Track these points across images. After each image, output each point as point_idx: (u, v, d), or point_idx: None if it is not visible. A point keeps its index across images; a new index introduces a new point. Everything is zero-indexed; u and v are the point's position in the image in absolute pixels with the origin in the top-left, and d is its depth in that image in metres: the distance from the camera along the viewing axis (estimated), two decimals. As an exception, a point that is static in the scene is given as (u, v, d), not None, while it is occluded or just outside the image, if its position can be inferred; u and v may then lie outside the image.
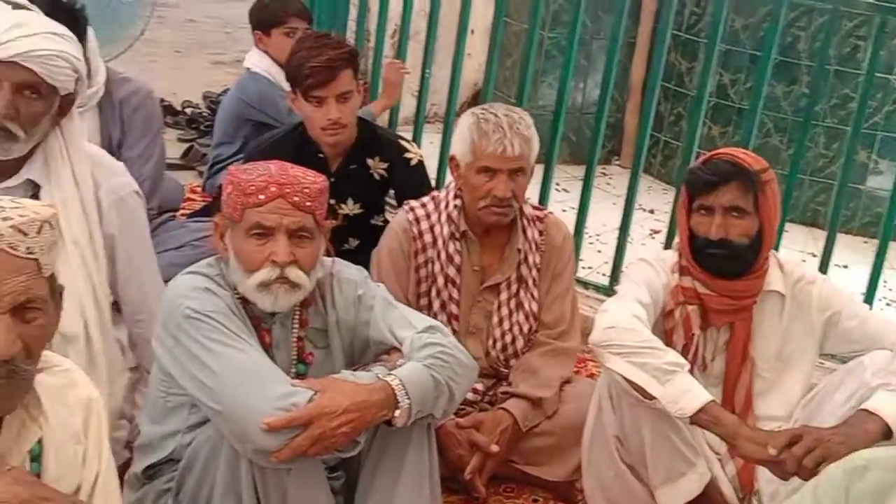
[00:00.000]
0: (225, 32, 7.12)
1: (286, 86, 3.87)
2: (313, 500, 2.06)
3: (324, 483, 2.10)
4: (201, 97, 5.69)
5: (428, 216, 2.78)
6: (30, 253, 1.52)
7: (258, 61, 4.08)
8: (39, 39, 2.18)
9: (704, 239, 2.41)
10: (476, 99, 5.85)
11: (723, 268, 2.43)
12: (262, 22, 4.07)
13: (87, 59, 3.22)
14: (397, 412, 2.06)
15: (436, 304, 2.76)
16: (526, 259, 2.78)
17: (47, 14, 2.88)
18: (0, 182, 2.28)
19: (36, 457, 1.67)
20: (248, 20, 4.21)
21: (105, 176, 2.44)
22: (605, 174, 5.52)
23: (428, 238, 2.75)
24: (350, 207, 3.16)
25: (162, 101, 3.55)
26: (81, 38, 3.16)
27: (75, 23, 3.11)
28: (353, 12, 4.72)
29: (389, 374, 2.09)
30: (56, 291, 1.62)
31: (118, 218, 2.44)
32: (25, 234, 1.52)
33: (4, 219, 1.51)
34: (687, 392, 2.22)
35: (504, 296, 2.79)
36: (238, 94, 4.10)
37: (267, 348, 2.17)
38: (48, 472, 1.67)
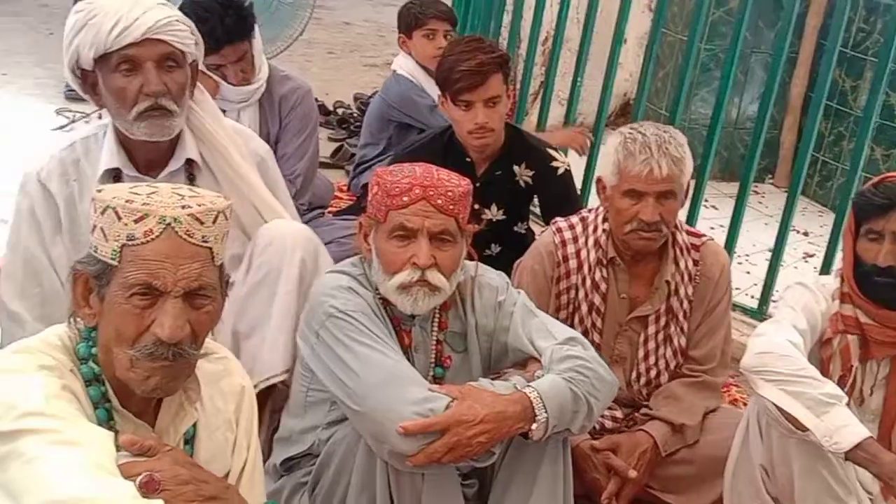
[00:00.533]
0: (378, 36, 7.24)
1: (429, 88, 3.94)
2: (446, 506, 2.04)
3: (457, 490, 2.08)
4: (352, 98, 5.79)
5: (575, 239, 2.65)
6: (205, 241, 1.58)
7: (403, 64, 4.13)
8: (157, 11, 2.23)
9: (872, 265, 2.27)
10: (625, 110, 5.75)
11: (890, 297, 2.28)
12: (404, 24, 4.12)
13: (252, 57, 3.32)
14: (534, 425, 2.02)
15: (578, 332, 2.66)
16: (676, 291, 2.62)
17: (219, 12, 2.96)
18: (162, 169, 2.37)
19: (189, 440, 1.73)
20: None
21: (245, 139, 2.53)
22: (756, 192, 5.32)
23: (573, 263, 2.64)
24: (493, 213, 3.13)
25: (315, 100, 3.63)
26: (249, 35, 3.26)
27: (244, 21, 3.21)
28: (506, 18, 4.70)
29: (528, 387, 2.05)
30: (224, 280, 1.66)
31: (262, 176, 2.52)
32: (202, 223, 1.58)
33: (183, 207, 1.57)
34: (844, 427, 2.09)
35: (652, 329, 2.64)
36: (382, 95, 4.17)
37: (406, 350, 2.17)
38: (199, 455, 1.72)
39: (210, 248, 1.59)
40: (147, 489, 1.49)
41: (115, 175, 2.32)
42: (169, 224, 1.55)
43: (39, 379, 1.54)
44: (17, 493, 1.44)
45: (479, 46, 3.01)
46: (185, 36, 2.27)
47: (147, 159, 2.35)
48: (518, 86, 4.51)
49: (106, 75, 2.21)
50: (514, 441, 2.08)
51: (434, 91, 3.93)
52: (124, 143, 2.31)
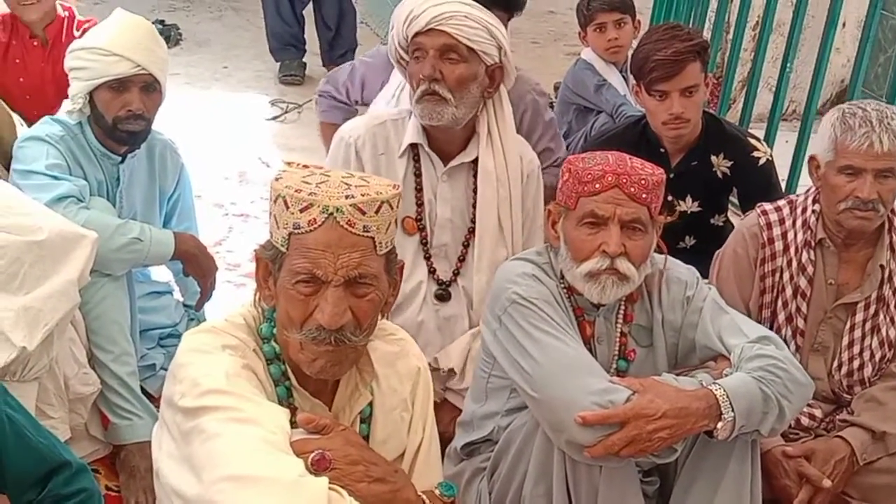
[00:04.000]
0: (582, 24, 7.17)
1: (608, 75, 3.87)
2: (624, 501, 2.01)
3: (636, 486, 2.04)
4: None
5: (782, 221, 2.53)
6: (366, 231, 1.60)
7: (586, 52, 4.09)
8: (447, 5, 2.43)
9: None
10: (841, 97, 5.42)
11: None
12: (579, 22, 4.09)
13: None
14: (720, 424, 1.95)
15: (780, 317, 2.53)
16: (891, 278, 2.47)
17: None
18: (452, 159, 2.58)
19: (366, 419, 1.77)
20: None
21: (524, 148, 2.69)
22: None
23: (779, 245, 2.51)
24: (688, 205, 3.03)
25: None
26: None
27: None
28: (713, 3, 4.54)
29: (714, 384, 1.98)
30: (393, 267, 1.69)
31: (534, 188, 2.68)
32: (364, 213, 1.59)
33: (347, 196, 1.59)
34: None
35: (860, 317, 2.49)
36: (564, 80, 4.13)
37: (587, 341, 2.15)
38: (375, 434, 1.76)
39: (372, 238, 1.61)
40: (318, 467, 1.54)
41: (414, 152, 2.58)
42: (331, 214, 1.57)
43: (222, 358, 1.62)
44: (198, 468, 1.53)
45: (676, 34, 2.91)
46: (474, 34, 2.44)
47: (439, 147, 2.59)
48: (724, 73, 4.35)
49: (410, 63, 2.49)
50: (699, 439, 2.02)
51: (613, 77, 3.89)
52: (424, 125, 2.54)
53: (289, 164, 1.72)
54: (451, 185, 2.61)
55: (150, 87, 2.61)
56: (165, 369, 2.77)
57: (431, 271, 2.62)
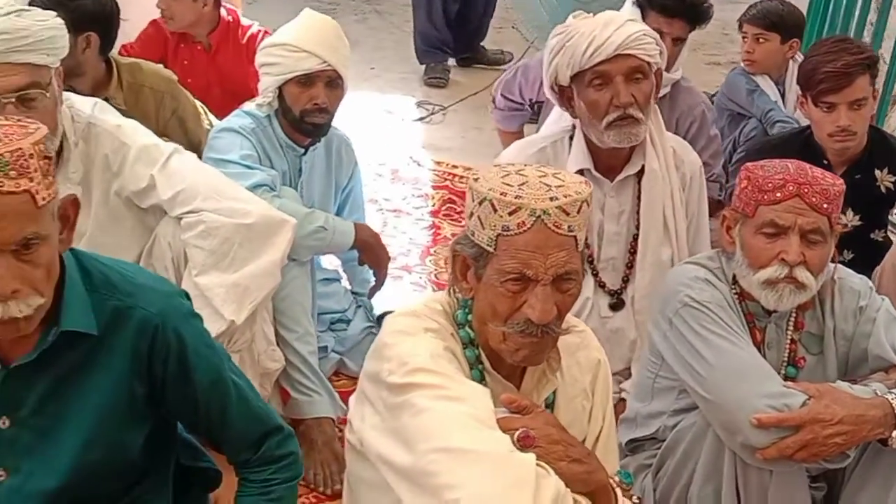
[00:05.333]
0: (723, 34, 7.10)
1: (762, 83, 3.85)
2: (792, 504, 2.04)
3: (805, 490, 2.08)
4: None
5: None
6: (570, 231, 1.69)
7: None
8: (627, 27, 2.46)
9: None
10: None
11: None
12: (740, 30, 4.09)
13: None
14: (894, 433, 1.97)
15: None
16: None
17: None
18: (618, 173, 2.63)
19: (549, 405, 1.86)
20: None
21: (684, 152, 2.72)
22: None
23: None
24: (849, 218, 3.02)
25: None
26: None
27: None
28: (872, 15, 4.48)
29: (890, 393, 2.01)
30: (584, 261, 1.78)
31: (697, 190, 2.72)
32: (567, 214, 1.68)
33: (552, 199, 1.67)
34: None
35: None
36: (721, 86, 4.15)
37: (757, 346, 2.17)
38: (559, 420, 1.85)
39: (575, 237, 1.69)
40: (524, 444, 1.64)
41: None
42: (539, 217, 1.65)
43: (426, 339, 1.73)
44: (409, 440, 1.64)
45: (845, 47, 2.91)
46: (652, 47, 2.51)
47: (608, 164, 2.61)
48: (881, 86, 4.28)
49: (580, 90, 2.49)
50: (871, 447, 2.04)
51: (765, 85, 3.86)
52: (590, 147, 2.56)
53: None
54: (618, 199, 2.67)
55: (333, 82, 2.77)
56: (336, 352, 2.93)
57: (601, 285, 2.69)
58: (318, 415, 2.59)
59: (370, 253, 2.79)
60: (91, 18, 2.75)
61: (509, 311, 1.71)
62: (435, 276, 3.61)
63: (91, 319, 1.63)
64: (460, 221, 4.10)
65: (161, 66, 3.18)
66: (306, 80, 2.72)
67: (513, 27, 6.35)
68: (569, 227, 1.68)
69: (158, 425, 1.79)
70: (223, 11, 3.96)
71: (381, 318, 3.04)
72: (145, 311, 1.67)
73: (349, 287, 3.15)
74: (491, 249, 1.69)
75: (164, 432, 1.82)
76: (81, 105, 2.32)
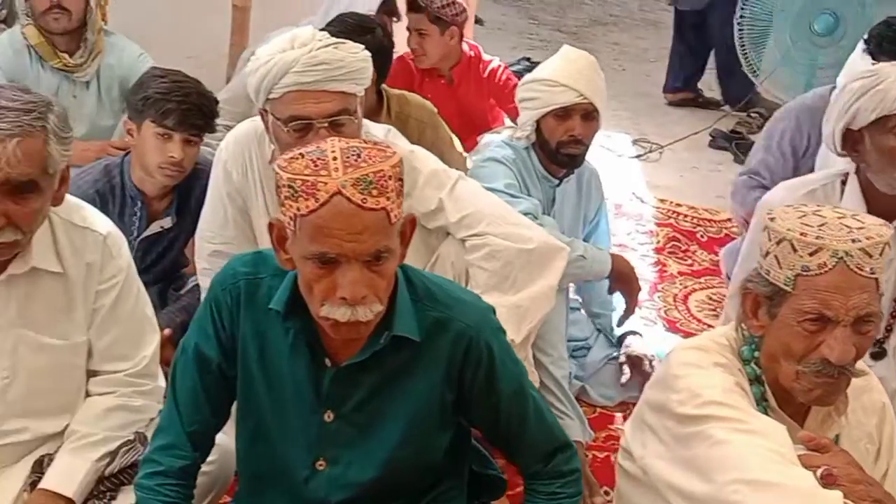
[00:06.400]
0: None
1: None
2: None
3: None
4: None
5: None
6: (872, 273, 1.70)
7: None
8: None
9: None
10: None
11: None
12: None
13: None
14: None
15: None
16: None
17: None
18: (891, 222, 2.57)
19: (835, 447, 1.87)
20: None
21: None
22: None
23: None
24: None
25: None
26: None
27: None
28: None
29: None
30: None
31: None
32: (870, 256, 1.70)
33: (854, 240, 1.70)
34: None
35: None
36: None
37: None
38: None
39: (876, 279, 1.70)
40: (827, 482, 1.65)
41: None
42: (841, 258, 1.67)
43: (717, 373, 1.78)
44: (705, 470, 1.68)
45: None
46: None
47: (884, 211, 2.46)
48: None
49: (878, 135, 2.41)
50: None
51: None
52: (867, 193, 2.51)
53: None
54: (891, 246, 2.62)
55: (590, 115, 2.89)
56: (578, 378, 3.01)
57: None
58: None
59: (625, 282, 2.88)
60: (374, 51, 2.97)
61: (805, 351, 1.73)
62: (664, 312, 3.65)
63: (415, 327, 1.77)
64: (685, 260, 4.13)
65: (422, 98, 3.38)
66: (563, 113, 2.85)
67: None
68: (871, 269, 1.70)
69: (459, 431, 1.92)
70: (465, 46, 4.16)
71: (621, 339, 3.12)
72: (462, 322, 1.80)
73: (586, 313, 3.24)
74: (789, 289, 1.72)
75: (463, 438, 1.95)
76: (376, 131, 2.52)
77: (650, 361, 3.03)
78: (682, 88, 6.08)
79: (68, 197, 1.97)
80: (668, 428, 1.78)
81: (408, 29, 4.01)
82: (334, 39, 2.31)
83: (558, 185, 3.00)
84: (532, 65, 6.46)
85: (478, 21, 6.51)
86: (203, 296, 2.63)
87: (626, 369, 3.03)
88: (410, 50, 4.03)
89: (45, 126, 1.79)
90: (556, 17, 8.56)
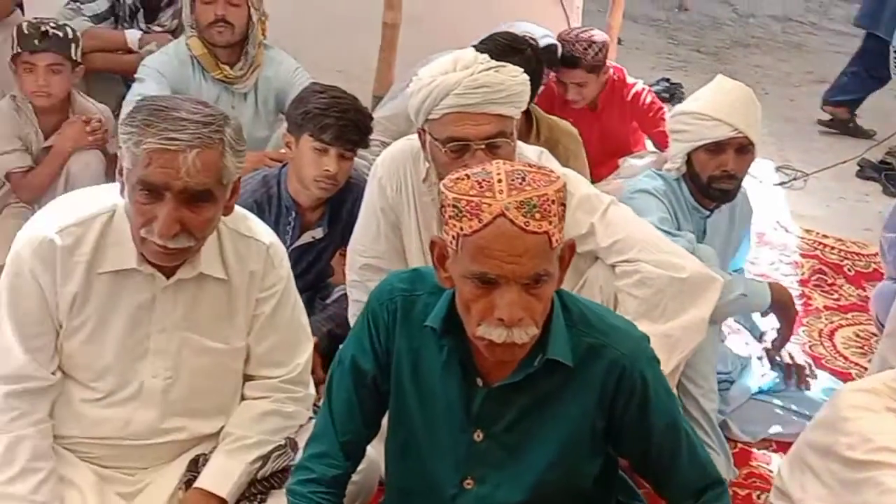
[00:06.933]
0: None
1: None
2: None
3: None
4: None
5: None
6: None
7: None
8: None
9: None
10: None
11: None
12: None
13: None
14: None
15: None
16: None
17: None
18: None
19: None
20: None
21: None
22: None
23: None
24: None
25: None
26: None
27: None
28: None
29: None
30: None
31: None
32: None
33: None
34: None
35: None
36: None
37: None
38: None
39: None
40: None
41: None
42: None
43: (890, 419, 1.73)
44: None
45: None
46: None
47: None
48: None
49: None
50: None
51: None
52: None
53: None
54: None
55: (744, 148, 2.81)
56: (720, 412, 2.94)
57: None
58: (717, 475, 2.62)
59: (783, 311, 2.82)
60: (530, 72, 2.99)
61: None
62: (809, 347, 3.54)
63: (568, 352, 1.78)
64: (831, 293, 4.00)
65: (568, 124, 3.37)
66: (716, 147, 2.78)
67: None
68: None
69: (608, 460, 1.90)
70: (609, 68, 4.13)
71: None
72: (617, 350, 1.79)
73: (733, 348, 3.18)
74: None
75: (611, 467, 1.94)
76: (529, 153, 2.53)
77: (811, 369, 3.03)
78: (843, 104, 5.88)
79: (235, 207, 2.05)
80: (833, 472, 1.74)
81: (561, 81, 3.98)
82: (495, 63, 2.33)
83: (709, 216, 2.94)
84: (671, 86, 6.39)
85: (617, 41, 6.47)
86: (350, 307, 2.73)
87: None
88: (570, 100, 4.00)
89: (222, 138, 1.87)
90: (695, 37, 8.43)
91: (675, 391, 2.49)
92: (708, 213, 2.93)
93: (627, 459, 1.95)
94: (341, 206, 2.97)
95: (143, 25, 3.96)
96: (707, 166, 2.80)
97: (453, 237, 1.65)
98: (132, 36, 3.85)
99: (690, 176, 2.86)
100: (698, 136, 2.80)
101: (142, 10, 3.96)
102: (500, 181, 1.63)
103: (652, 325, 2.32)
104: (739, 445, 2.94)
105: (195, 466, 2.09)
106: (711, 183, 2.81)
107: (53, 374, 1.99)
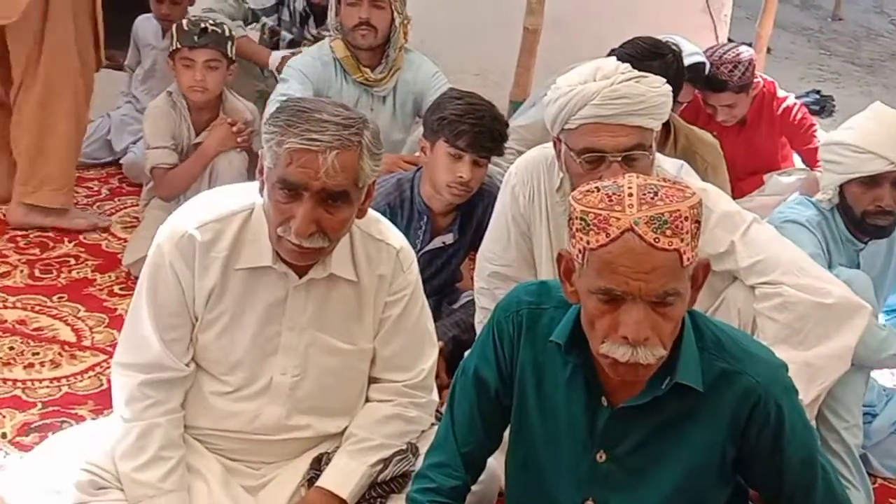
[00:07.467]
0: None
1: None
2: None
3: None
4: None
5: None
6: None
7: None
8: None
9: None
10: None
11: None
12: None
13: None
14: None
15: None
16: None
17: None
18: None
19: None
20: None
21: None
22: None
23: None
24: None
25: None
26: None
27: None
28: None
29: None
30: None
31: None
32: None
33: None
34: None
35: None
36: None
37: None
38: None
39: None
40: None
41: None
42: None
43: None
44: None
45: None
46: None
47: None
48: None
49: None
50: None
51: None
52: None
53: None
54: None
55: None
56: (863, 447, 2.79)
57: None
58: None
59: None
60: (664, 77, 2.90)
61: None
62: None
63: (699, 376, 1.71)
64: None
65: (711, 135, 3.26)
66: (870, 180, 2.65)
67: None
68: None
69: (738, 490, 1.83)
70: (758, 79, 3.99)
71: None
72: (752, 378, 1.72)
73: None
74: None
75: (741, 499, 1.86)
76: (668, 166, 2.46)
77: None
78: None
79: (368, 210, 2.07)
80: None
81: (708, 104, 3.87)
82: (637, 73, 2.27)
83: (863, 248, 2.80)
84: (822, 98, 6.14)
85: (767, 50, 6.25)
86: (476, 313, 2.72)
87: None
88: (721, 121, 3.88)
89: (360, 141, 1.89)
90: (849, 48, 8.10)
91: (813, 423, 2.39)
92: (863, 245, 2.78)
93: (757, 490, 1.86)
94: (472, 212, 2.96)
95: (313, 31, 4.06)
96: (861, 200, 2.67)
97: (580, 251, 1.62)
98: (275, 56, 3.96)
99: (843, 208, 2.73)
100: (851, 168, 2.66)
101: (311, 17, 4.06)
102: (630, 195, 1.59)
103: (791, 351, 2.21)
104: (879, 481, 2.79)
105: (318, 465, 2.12)
106: (866, 218, 2.68)
107: (187, 365, 2.05)
